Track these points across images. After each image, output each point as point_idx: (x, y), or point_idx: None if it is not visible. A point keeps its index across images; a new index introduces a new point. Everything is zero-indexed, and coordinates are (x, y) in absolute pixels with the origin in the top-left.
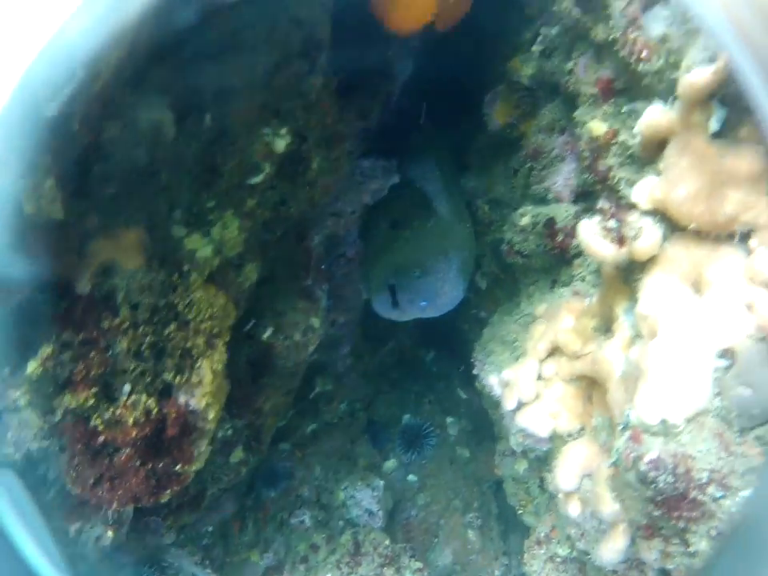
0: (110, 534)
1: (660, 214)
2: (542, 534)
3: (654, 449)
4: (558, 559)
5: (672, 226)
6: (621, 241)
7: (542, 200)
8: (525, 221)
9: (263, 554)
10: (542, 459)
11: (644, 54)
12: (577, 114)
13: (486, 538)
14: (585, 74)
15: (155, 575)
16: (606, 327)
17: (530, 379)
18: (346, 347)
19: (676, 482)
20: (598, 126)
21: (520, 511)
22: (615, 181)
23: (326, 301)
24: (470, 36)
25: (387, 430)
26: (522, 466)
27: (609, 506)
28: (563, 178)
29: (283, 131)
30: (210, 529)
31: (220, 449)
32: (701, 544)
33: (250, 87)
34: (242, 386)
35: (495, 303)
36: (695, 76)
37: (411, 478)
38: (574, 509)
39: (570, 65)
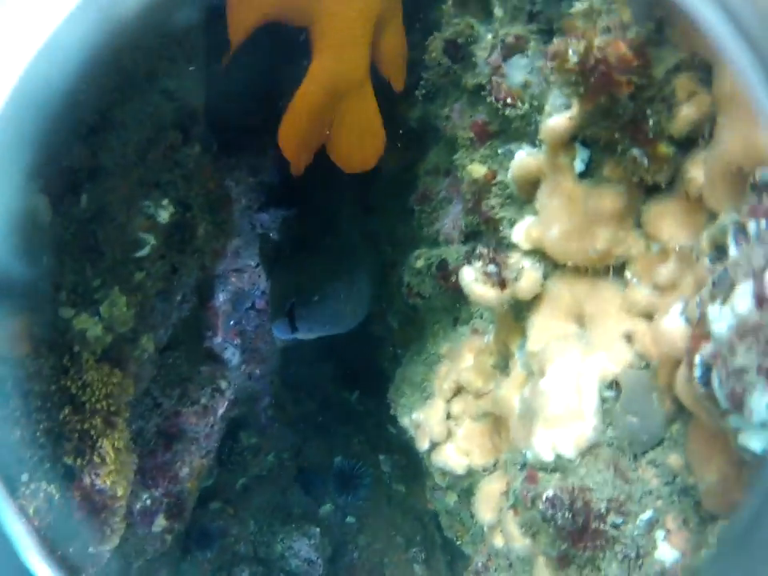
0: None
1: (539, 254)
2: (480, 564)
3: (549, 487)
4: None
5: (552, 264)
6: (503, 284)
7: (434, 242)
8: (420, 263)
9: None
10: (469, 491)
11: (509, 99)
12: (456, 157)
13: (432, 571)
14: (460, 119)
15: None
16: (504, 364)
17: (438, 419)
18: (265, 399)
19: (575, 516)
20: (477, 169)
21: (458, 542)
22: (498, 221)
23: (239, 356)
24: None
25: (319, 476)
26: (451, 499)
27: (520, 541)
28: (451, 220)
29: (165, 202)
30: None
31: (140, 520)
32: (611, 567)
33: (123, 164)
34: (155, 455)
35: (408, 341)
36: (554, 121)
37: (349, 519)
38: (498, 541)
39: (446, 110)
